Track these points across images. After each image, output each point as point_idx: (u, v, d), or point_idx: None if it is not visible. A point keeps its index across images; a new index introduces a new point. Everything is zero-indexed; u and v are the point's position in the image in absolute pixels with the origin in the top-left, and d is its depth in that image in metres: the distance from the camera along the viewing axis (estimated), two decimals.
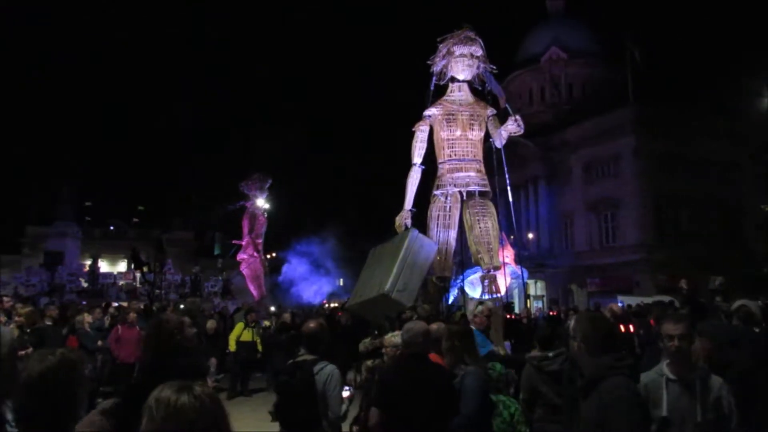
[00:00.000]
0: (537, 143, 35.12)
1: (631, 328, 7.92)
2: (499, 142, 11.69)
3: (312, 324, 4.61)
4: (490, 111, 11.60)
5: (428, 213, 11.14)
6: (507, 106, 11.97)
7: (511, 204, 12.61)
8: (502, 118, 11.70)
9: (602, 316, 3.53)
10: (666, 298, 17.67)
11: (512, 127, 11.37)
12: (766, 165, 26.27)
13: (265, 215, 22.58)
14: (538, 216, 37.03)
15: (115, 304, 17.93)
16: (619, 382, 2.61)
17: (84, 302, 18.75)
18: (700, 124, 30.91)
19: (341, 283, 38.19)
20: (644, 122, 31.08)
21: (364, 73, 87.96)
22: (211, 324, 12.05)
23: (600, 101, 35.74)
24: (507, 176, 12.10)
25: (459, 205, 10.94)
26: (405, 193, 11.21)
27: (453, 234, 10.77)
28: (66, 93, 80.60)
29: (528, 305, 21.53)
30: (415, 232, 8.12)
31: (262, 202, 22.40)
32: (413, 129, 11.42)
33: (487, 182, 11.35)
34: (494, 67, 11.75)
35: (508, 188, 12.09)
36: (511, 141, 12.31)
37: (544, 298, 32.92)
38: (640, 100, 31.12)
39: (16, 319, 8.47)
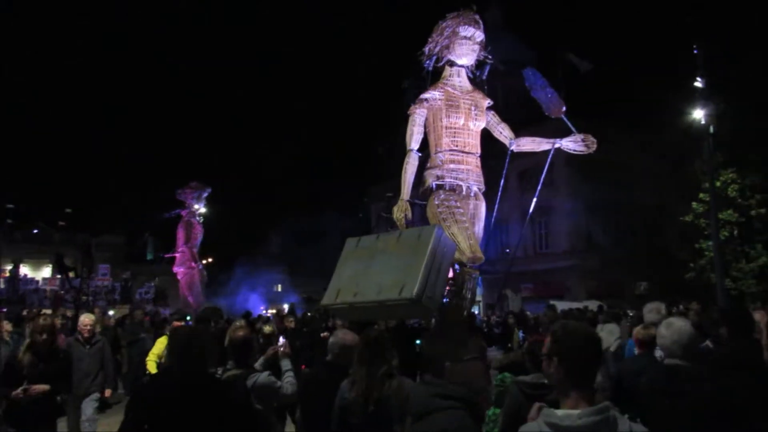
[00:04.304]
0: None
1: None
2: (515, 145, 10.77)
3: (240, 332, 4.34)
4: (488, 102, 10.63)
5: (429, 208, 9.93)
6: (564, 118, 10.97)
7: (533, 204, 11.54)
8: (556, 129, 10.72)
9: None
10: (595, 303, 18.43)
11: (575, 145, 10.49)
12: (685, 176, 27.85)
13: (201, 222, 21.99)
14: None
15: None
16: None
17: (4, 309, 17.78)
18: (627, 136, 32.30)
19: (279, 289, 37.68)
20: (575, 133, 32.18)
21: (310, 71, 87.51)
22: None
23: (534, 111, 36.76)
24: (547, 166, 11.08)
25: (460, 198, 9.94)
26: (403, 183, 9.88)
27: (467, 225, 9.67)
28: None
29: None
30: (440, 231, 7.04)
31: (197, 208, 21.83)
32: (409, 112, 10.23)
33: (482, 180, 10.52)
34: (491, 57, 10.82)
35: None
36: None
37: (481, 303, 33.54)
38: (571, 111, 32.11)
39: None
